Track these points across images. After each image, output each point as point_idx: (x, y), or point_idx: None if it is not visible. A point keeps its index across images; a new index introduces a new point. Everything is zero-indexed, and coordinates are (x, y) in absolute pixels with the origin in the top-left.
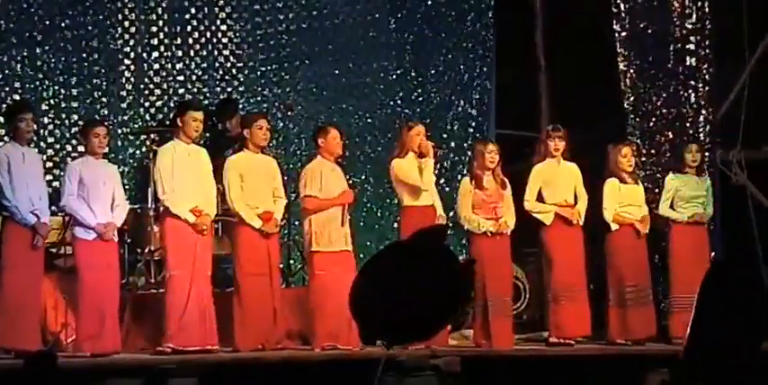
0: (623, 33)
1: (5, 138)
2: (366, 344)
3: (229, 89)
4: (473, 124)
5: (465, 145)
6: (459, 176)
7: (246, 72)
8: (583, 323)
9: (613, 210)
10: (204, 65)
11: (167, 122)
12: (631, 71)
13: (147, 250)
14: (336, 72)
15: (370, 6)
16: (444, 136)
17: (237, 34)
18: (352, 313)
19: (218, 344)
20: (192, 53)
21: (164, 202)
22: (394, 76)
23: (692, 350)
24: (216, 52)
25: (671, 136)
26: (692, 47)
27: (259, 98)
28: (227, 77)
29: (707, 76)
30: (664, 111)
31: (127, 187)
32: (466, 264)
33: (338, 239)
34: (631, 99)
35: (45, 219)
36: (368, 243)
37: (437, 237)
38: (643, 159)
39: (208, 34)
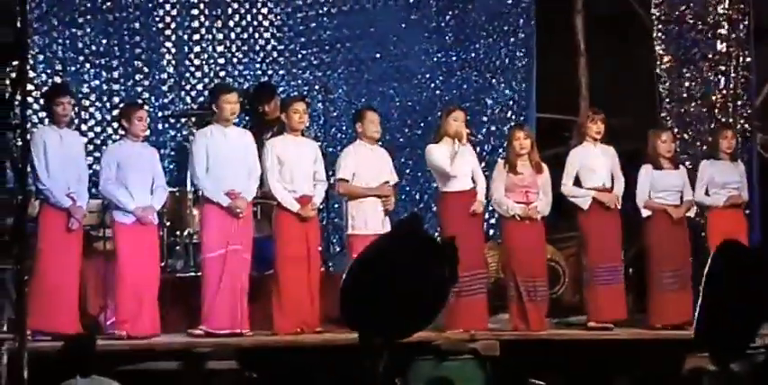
0: (661, 17)
1: (45, 121)
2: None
3: (270, 72)
4: (514, 108)
5: (506, 129)
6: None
7: (287, 55)
8: (619, 306)
9: (645, 197)
10: (245, 48)
11: (207, 105)
12: (668, 56)
13: (186, 233)
14: (377, 55)
15: None
16: (485, 120)
17: (278, 17)
18: (345, 320)
19: (248, 328)
20: (232, 36)
21: (198, 186)
22: (435, 60)
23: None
24: (257, 35)
25: (705, 121)
26: (724, 32)
27: (300, 81)
28: (267, 60)
29: (742, 61)
30: (698, 95)
31: (166, 170)
32: (445, 244)
33: (375, 223)
34: (667, 84)
35: (81, 203)
36: None
37: (412, 226)
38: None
39: (248, 17)
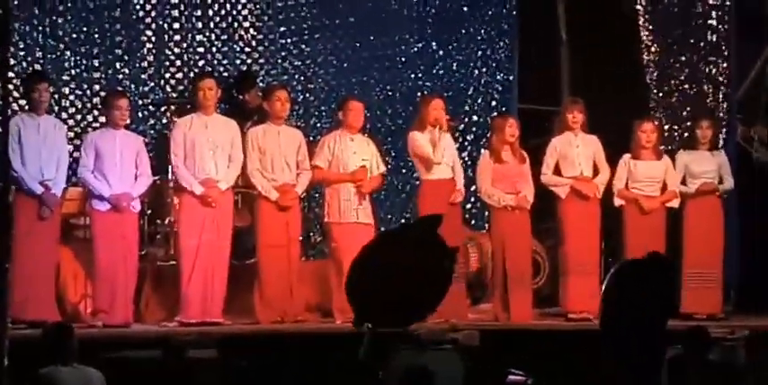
0: (648, 7)
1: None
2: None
3: (249, 61)
4: (497, 97)
5: (488, 119)
6: (482, 150)
7: (266, 44)
8: (592, 298)
9: (620, 186)
10: (224, 36)
11: (187, 94)
12: (655, 46)
13: (166, 221)
14: (357, 44)
15: None
16: (467, 109)
17: (257, 6)
18: (350, 301)
19: (221, 317)
20: (212, 25)
21: (174, 174)
22: (415, 49)
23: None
24: (236, 24)
25: (692, 112)
26: (713, 22)
27: (279, 70)
28: (246, 49)
29: (727, 53)
30: (686, 86)
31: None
32: (450, 251)
33: (349, 212)
34: (654, 74)
35: (56, 190)
36: (389, 216)
37: (430, 227)
38: (665, 134)
39: (228, 6)
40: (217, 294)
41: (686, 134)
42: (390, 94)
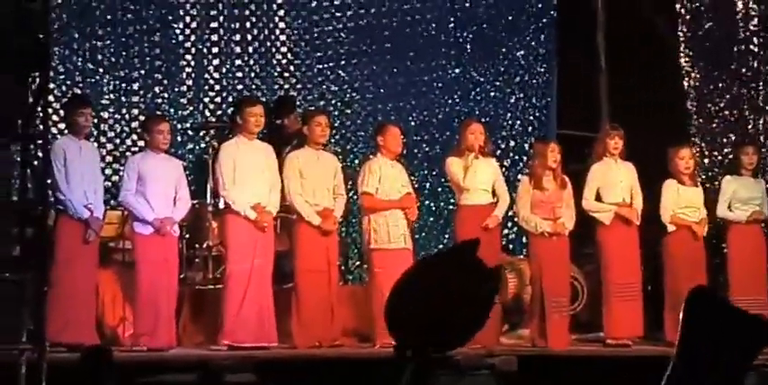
0: (689, 34)
1: (65, 132)
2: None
3: (287, 86)
4: (535, 123)
5: (525, 144)
6: (520, 175)
7: (304, 69)
8: (636, 324)
9: (670, 212)
10: (262, 61)
11: (225, 118)
12: (695, 72)
13: (204, 245)
14: (394, 70)
15: (430, 4)
16: (504, 134)
17: (295, 31)
18: (390, 330)
19: (276, 341)
20: (250, 50)
21: (225, 198)
22: (452, 75)
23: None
24: (274, 49)
25: (733, 138)
26: (754, 48)
27: (316, 95)
28: (285, 74)
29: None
30: (726, 112)
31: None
32: (491, 273)
33: (397, 237)
34: (695, 100)
35: (98, 214)
36: (427, 241)
37: (468, 251)
38: (706, 160)
39: (266, 31)
40: (271, 318)
41: (726, 161)
42: (427, 119)
